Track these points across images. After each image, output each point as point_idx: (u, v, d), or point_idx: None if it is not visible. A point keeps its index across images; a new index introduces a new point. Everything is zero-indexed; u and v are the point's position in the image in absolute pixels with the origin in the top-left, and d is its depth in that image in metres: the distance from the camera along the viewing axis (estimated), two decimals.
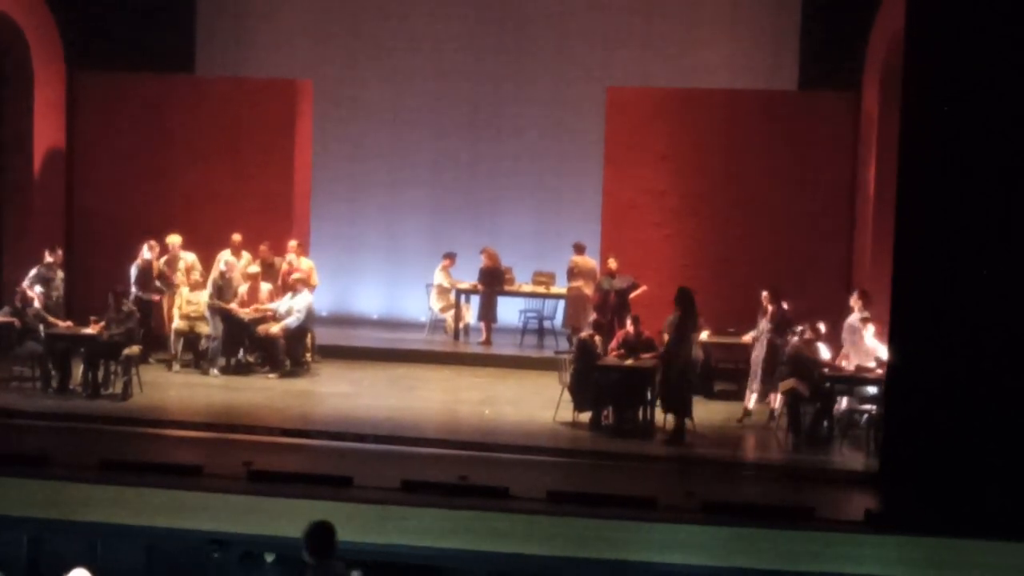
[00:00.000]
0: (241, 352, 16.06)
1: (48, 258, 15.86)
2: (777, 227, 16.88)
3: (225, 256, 16.24)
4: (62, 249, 16.41)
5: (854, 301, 14.05)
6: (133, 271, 16.26)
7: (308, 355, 16.22)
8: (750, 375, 14.18)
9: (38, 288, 15.37)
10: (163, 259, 16.40)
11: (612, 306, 16.09)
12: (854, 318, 13.86)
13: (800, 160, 16.89)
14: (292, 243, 17.00)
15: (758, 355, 14.09)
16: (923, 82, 11.11)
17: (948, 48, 11.00)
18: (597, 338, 14.15)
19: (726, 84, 18.02)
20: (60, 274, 16.01)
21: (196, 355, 15.95)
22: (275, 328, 15.72)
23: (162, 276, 16.27)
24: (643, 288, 16.20)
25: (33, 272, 15.69)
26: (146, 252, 16.31)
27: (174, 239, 16.41)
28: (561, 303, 18.25)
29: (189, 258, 16.41)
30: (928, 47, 11.13)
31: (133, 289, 16.00)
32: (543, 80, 19.32)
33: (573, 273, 17.51)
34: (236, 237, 16.48)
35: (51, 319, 15.03)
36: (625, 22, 19.07)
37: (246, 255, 16.53)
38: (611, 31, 19.10)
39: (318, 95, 18.64)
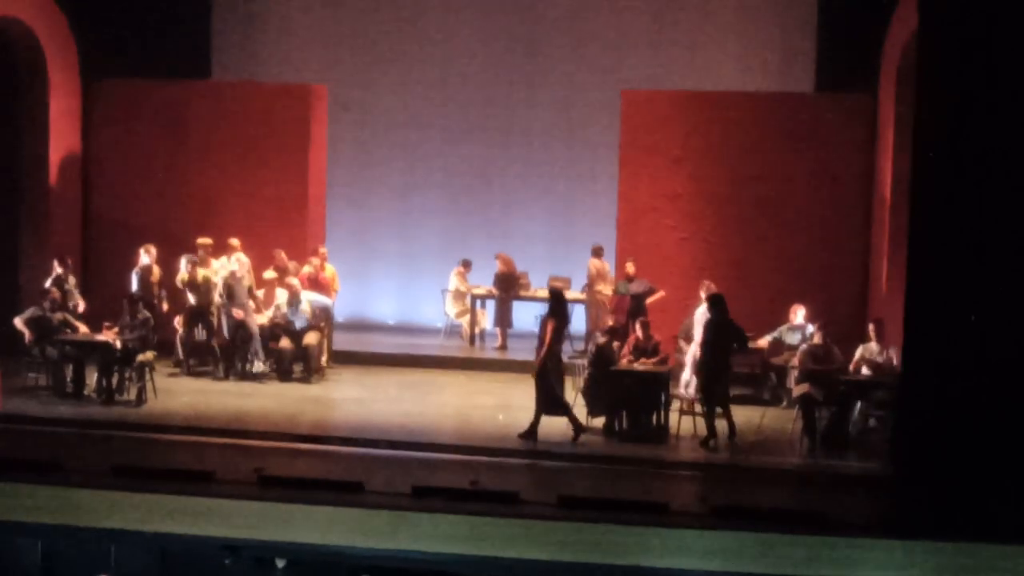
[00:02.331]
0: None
1: (58, 269, 15.90)
2: (793, 229, 16.79)
3: (231, 260, 16.14)
4: (71, 258, 16.47)
5: (704, 291, 14.57)
6: (133, 277, 16.27)
7: (325, 360, 16.24)
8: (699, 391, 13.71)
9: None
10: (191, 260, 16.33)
11: (628, 310, 16.04)
12: (702, 311, 14.26)
13: (816, 162, 16.78)
14: (322, 249, 17.00)
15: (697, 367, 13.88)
16: (937, 84, 11.03)
17: (962, 49, 10.92)
18: (615, 344, 14.12)
19: (740, 86, 17.95)
20: (72, 280, 16.08)
21: (214, 360, 15.98)
22: (311, 336, 15.74)
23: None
24: (661, 293, 16.12)
25: (48, 285, 15.72)
26: (144, 257, 16.33)
27: (206, 241, 16.38)
28: (578, 308, 18.16)
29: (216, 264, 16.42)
30: (942, 48, 11.04)
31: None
32: (556, 83, 19.28)
33: (594, 277, 17.48)
34: (234, 241, 16.38)
35: (75, 322, 15.08)
36: (638, 24, 19.02)
37: (242, 258, 16.39)
38: (624, 33, 19.04)
39: (331, 100, 18.65)
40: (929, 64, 11.11)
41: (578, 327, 18.07)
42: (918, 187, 11.14)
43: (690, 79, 18.33)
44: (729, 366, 13.55)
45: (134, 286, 16.13)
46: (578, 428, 13.13)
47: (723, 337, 13.40)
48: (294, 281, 15.99)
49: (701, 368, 13.48)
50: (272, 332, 15.96)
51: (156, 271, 16.31)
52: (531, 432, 13.13)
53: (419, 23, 19.56)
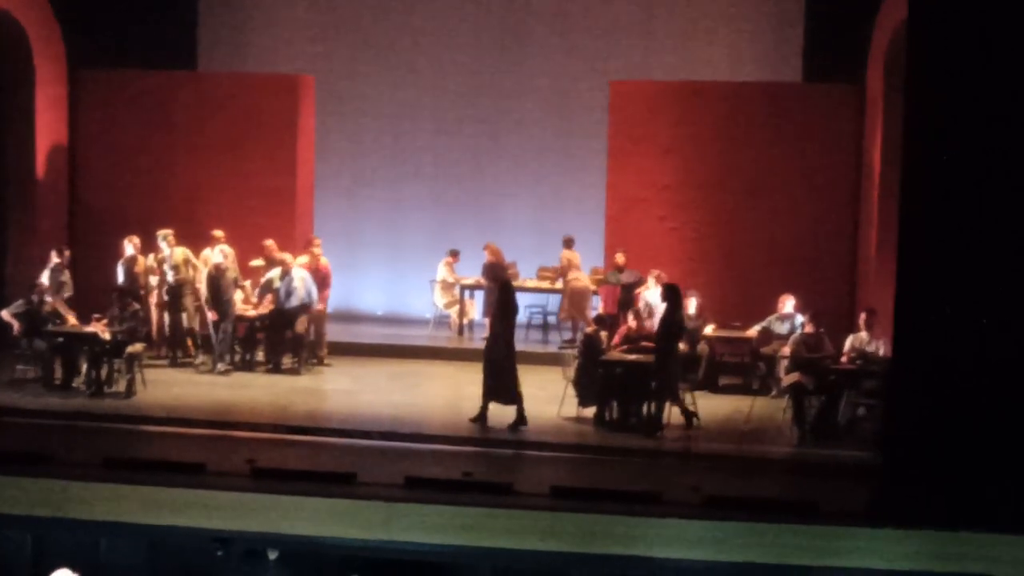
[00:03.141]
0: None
1: (55, 259, 15.84)
2: (782, 220, 16.84)
3: (214, 252, 16.07)
4: (68, 249, 16.42)
5: (655, 279, 15.03)
6: (119, 268, 16.22)
7: (324, 352, 16.28)
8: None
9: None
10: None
11: (618, 300, 16.08)
12: (651, 294, 14.90)
13: (805, 152, 16.84)
14: (317, 240, 16.92)
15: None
16: (926, 72, 11.03)
17: (951, 38, 10.93)
18: (603, 333, 14.15)
19: (729, 76, 17.98)
20: (66, 273, 16.03)
21: (196, 349, 15.98)
22: (301, 324, 15.71)
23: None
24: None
25: (45, 275, 15.65)
26: (129, 248, 16.26)
27: (166, 231, 16.29)
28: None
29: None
30: (931, 36, 11.05)
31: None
32: (544, 74, 19.29)
33: (566, 267, 17.55)
34: (217, 233, 16.26)
35: (65, 313, 15.02)
36: (626, 14, 19.03)
37: (225, 249, 16.30)
38: (612, 23, 19.06)
39: (319, 91, 18.61)
40: (918, 52, 11.09)
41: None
42: (908, 176, 11.14)
43: (679, 69, 18.37)
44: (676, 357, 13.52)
45: (120, 278, 16.09)
46: (481, 418, 13.21)
47: (673, 329, 13.37)
48: (287, 257, 15.93)
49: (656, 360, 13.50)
50: (262, 322, 15.90)
51: (141, 261, 16.26)
52: (519, 421, 13.14)
53: (407, 13, 19.54)
